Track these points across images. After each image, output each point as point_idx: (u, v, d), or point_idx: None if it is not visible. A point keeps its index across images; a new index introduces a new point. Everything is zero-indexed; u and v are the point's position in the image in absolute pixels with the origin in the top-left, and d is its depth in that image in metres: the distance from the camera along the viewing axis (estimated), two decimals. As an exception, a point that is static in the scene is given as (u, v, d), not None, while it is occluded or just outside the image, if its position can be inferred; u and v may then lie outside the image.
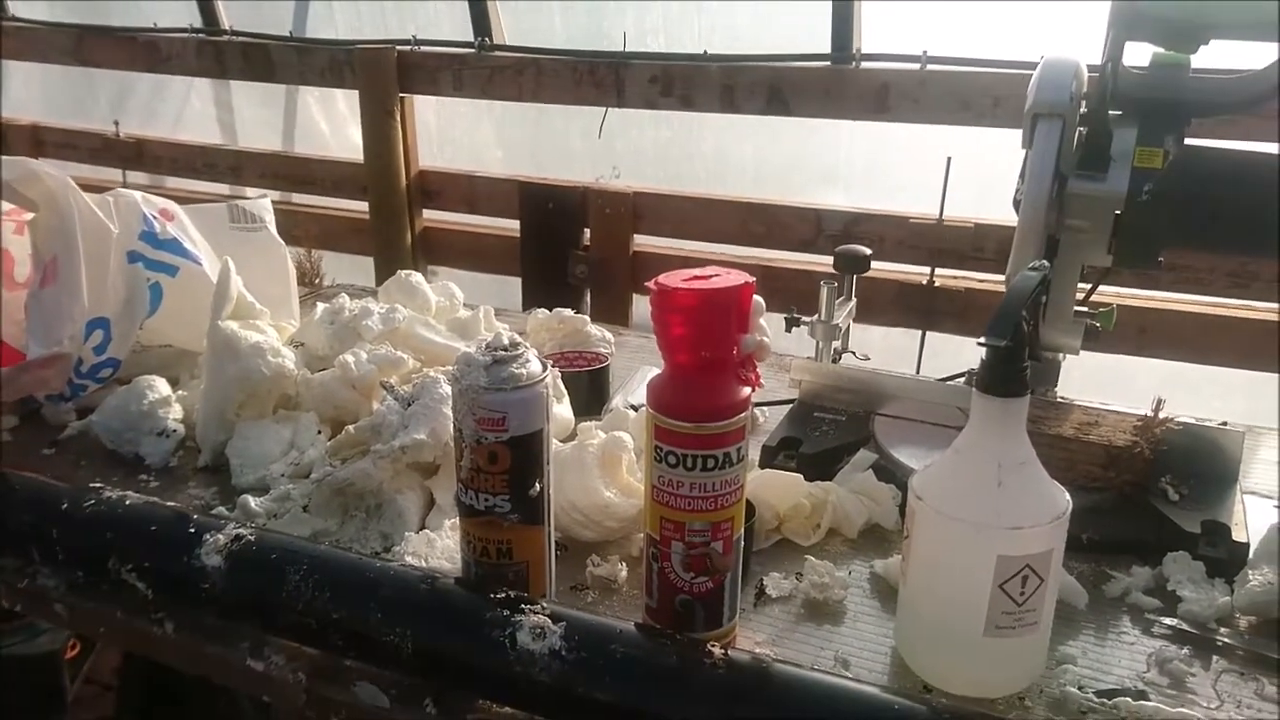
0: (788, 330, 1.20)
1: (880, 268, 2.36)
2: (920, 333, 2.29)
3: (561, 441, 1.08)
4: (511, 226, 2.65)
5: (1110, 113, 0.96)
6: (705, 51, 2.30)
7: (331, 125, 3.03)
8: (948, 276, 2.26)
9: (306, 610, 0.77)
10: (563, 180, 2.57)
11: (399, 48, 2.60)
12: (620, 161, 2.58)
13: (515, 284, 2.69)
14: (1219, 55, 0.96)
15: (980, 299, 2.22)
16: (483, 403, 0.75)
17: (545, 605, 0.73)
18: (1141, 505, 0.96)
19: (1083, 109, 0.96)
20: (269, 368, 1.05)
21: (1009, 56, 2.01)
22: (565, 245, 2.59)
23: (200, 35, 2.90)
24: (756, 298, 0.74)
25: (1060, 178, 0.95)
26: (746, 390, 0.74)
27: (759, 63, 2.26)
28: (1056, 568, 0.75)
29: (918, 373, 2.21)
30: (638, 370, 1.33)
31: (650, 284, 0.71)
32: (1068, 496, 0.76)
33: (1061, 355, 1.14)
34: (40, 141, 3.29)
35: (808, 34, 2.23)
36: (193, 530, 0.83)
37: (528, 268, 2.66)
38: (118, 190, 1.18)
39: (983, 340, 0.70)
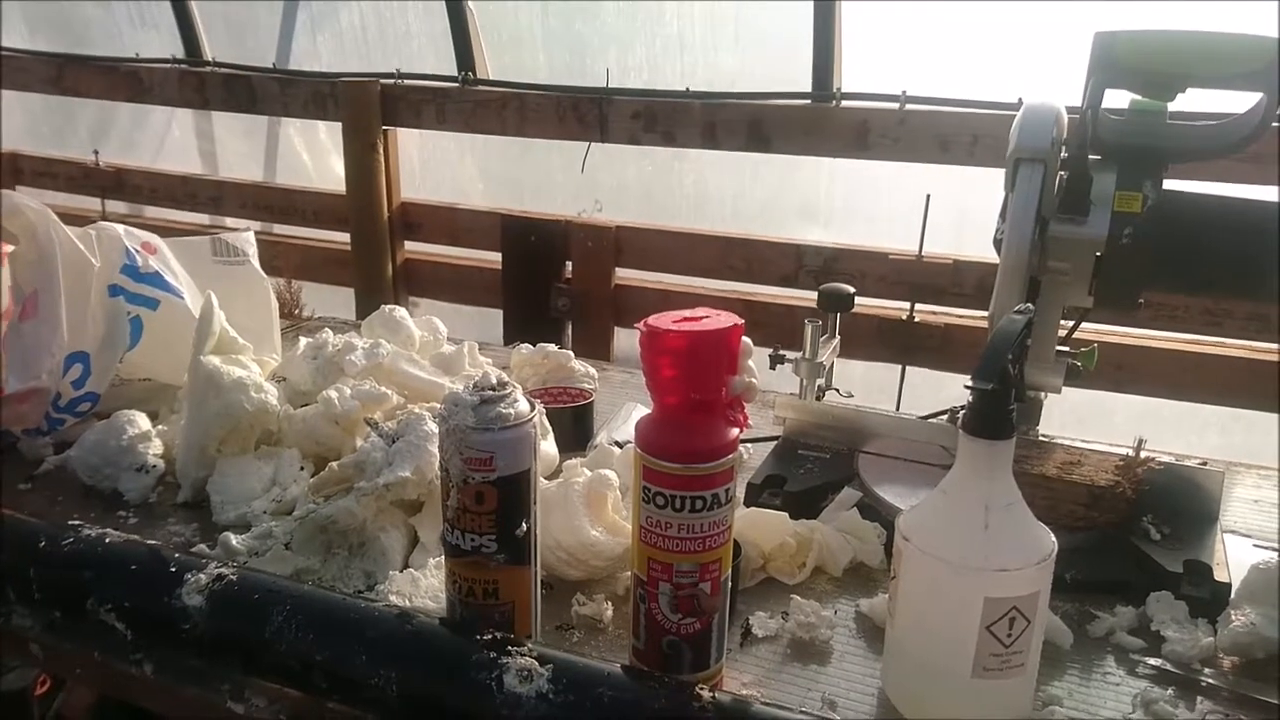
0: (772, 367, 1.21)
1: (860, 303, 2.36)
2: (900, 367, 2.31)
3: (546, 479, 1.07)
4: (493, 259, 2.66)
5: (1090, 157, 0.98)
6: (688, 89, 2.33)
7: (313, 156, 3.04)
8: (927, 312, 2.28)
9: (290, 652, 0.76)
10: (545, 213, 2.58)
11: (382, 81, 2.61)
12: (603, 195, 2.59)
13: (497, 316, 2.69)
14: (1197, 101, 0.98)
15: (959, 334, 2.24)
16: (470, 442, 0.75)
17: (532, 647, 0.73)
18: (1124, 545, 0.97)
19: (1063, 153, 0.98)
20: (251, 403, 1.04)
21: (987, 97, 2.05)
22: (547, 278, 2.60)
23: (182, 66, 2.90)
24: (745, 339, 0.74)
25: (1042, 220, 0.97)
26: (735, 431, 0.74)
27: (741, 100, 2.28)
28: (1043, 609, 0.75)
29: (898, 407, 2.22)
30: (622, 406, 1.33)
31: (640, 325, 0.71)
32: (1053, 538, 0.76)
33: (1043, 394, 1.15)
34: (19, 170, 3.27)
35: (789, 73, 2.26)
36: (174, 569, 0.81)
37: (509, 300, 2.66)
38: (100, 224, 1.18)
39: (970, 384, 0.71)
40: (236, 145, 3.10)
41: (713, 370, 0.72)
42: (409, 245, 2.79)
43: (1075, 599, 0.94)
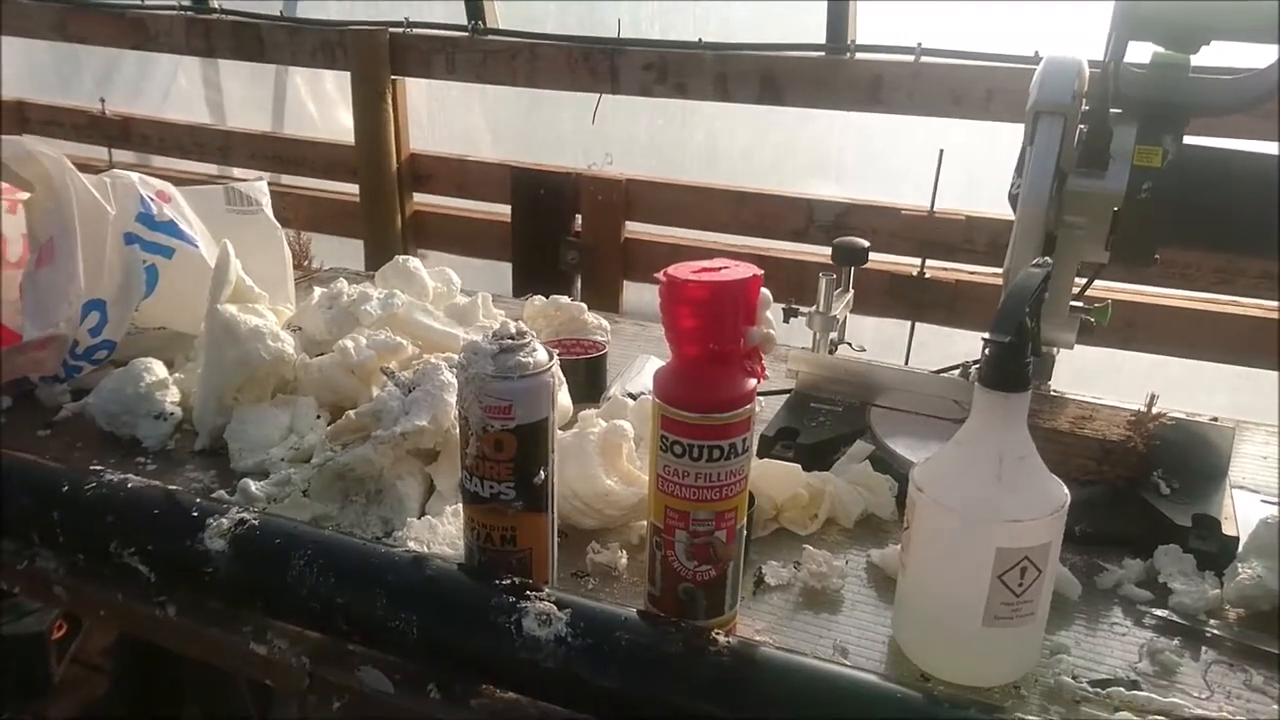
0: (786, 321, 1.21)
1: (872, 259, 2.36)
2: (910, 323, 2.31)
3: (561, 429, 1.08)
4: (503, 212, 2.65)
5: (1111, 111, 0.97)
6: (700, 40, 2.30)
7: (319, 107, 3.01)
8: (938, 268, 2.27)
9: (311, 596, 0.77)
10: (555, 166, 2.56)
11: (391, 30, 2.58)
12: (613, 148, 2.57)
13: (506, 269, 2.68)
14: (1219, 55, 0.97)
15: (970, 291, 2.23)
16: (490, 390, 0.76)
17: (550, 592, 0.74)
18: (1134, 499, 0.98)
19: (1084, 107, 0.97)
20: (269, 352, 1.05)
21: (1003, 50, 2.02)
22: (557, 231, 2.58)
23: (189, 13, 2.87)
24: (764, 290, 0.74)
25: (1060, 175, 0.96)
26: (752, 382, 0.75)
27: (753, 52, 2.26)
28: (1054, 560, 0.76)
29: (906, 363, 2.22)
30: (635, 359, 1.33)
31: (660, 275, 0.71)
32: (1066, 490, 0.77)
33: (1056, 350, 1.15)
34: (25, 118, 3.25)
35: (802, 24, 2.23)
36: (195, 514, 0.83)
37: (519, 254, 2.65)
38: (115, 171, 1.18)
39: (987, 336, 0.71)
40: (244, 94, 3.08)
41: (731, 321, 0.72)
42: (418, 197, 2.77)
43: (1084, 552, 0.95)
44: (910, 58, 2.13)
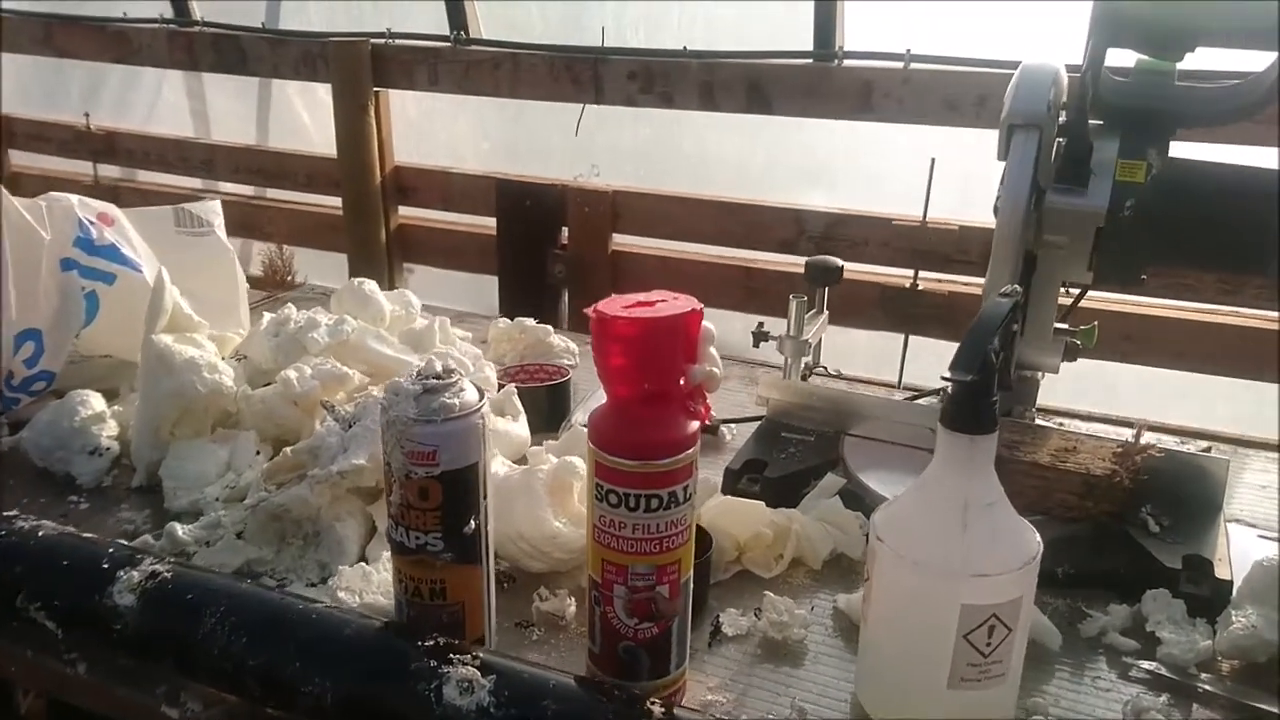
0: (756, 345, 1.15)
1: (862, 270, 2.31)
2: (903, 337, 2.25)
3: (514, 463, 1.03)
4: (489, 224, 2.60)
5: (1091, 123, 0.91)
6: (685, 47, 2.25)
7: (314, 117, 2.97)
8: (931, 280, 2.21)
9: (222, 655, 0.72)
10: (541, 178, 2.51)
11: (373, 40, 2.54)
12: (601, 158, 2.52)
13: (493, 283, 2.63)
14: (1206, 61, 0.91)
15: (964, 303, 2.17)
16: (412, 435, 0.70)
17: (477, 654, 0.68)
18: (1120, 537, 0.92)
19: (1062, 118, 0.91)
20: (204, 384, 1.00)
21: (996, 56, 1.96)
22: (543, 244, 2.53)
23: (171, 26, 2.83)
24: (706, 324, 0.68)
25: (1038, 191, 0.90)
26: (695, 424, 0.69)
27: (739, 59, 2.20)
28: (1026, 615, 0.70)
29: (900, 378, 2.16)
30: (602, 383, 1.28)
31: (589, 310, 0.66)
32: (1038, 538, 0.71)
33: (1040, 374, 1.09)
34: (12, 133, 3.21)
35: (790, 31, 2.17)
36: (106, 566, 0.77)
37: (505, 267, 2.60)
38: (51, 194, 1.12)
39: (947, 375, 0.65)
40: (228, 107, 3.03)
41: (668, 359, 0.66)
42: (403, 210, 2.72)
43: (1066, 595, 0.89)
44: (900, 64, 2.07)
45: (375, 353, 1.12)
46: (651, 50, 2.29)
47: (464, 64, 2.47)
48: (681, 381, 0.68)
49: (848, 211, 2.25)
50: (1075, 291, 1.05)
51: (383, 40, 2.54)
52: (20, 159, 3.26)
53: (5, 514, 0.85)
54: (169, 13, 2.83)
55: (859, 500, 0.98)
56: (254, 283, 2.71)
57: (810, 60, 2.16)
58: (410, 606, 0.76)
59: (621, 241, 2.49)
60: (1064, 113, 0.91)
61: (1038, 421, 1.12)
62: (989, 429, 0.68)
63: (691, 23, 2.31)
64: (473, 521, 0.73)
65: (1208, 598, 0.84)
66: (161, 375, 1.00)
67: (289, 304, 1.17)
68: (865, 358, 2.32)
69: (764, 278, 2.33)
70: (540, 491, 0.90)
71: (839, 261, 1.16)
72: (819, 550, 0.93)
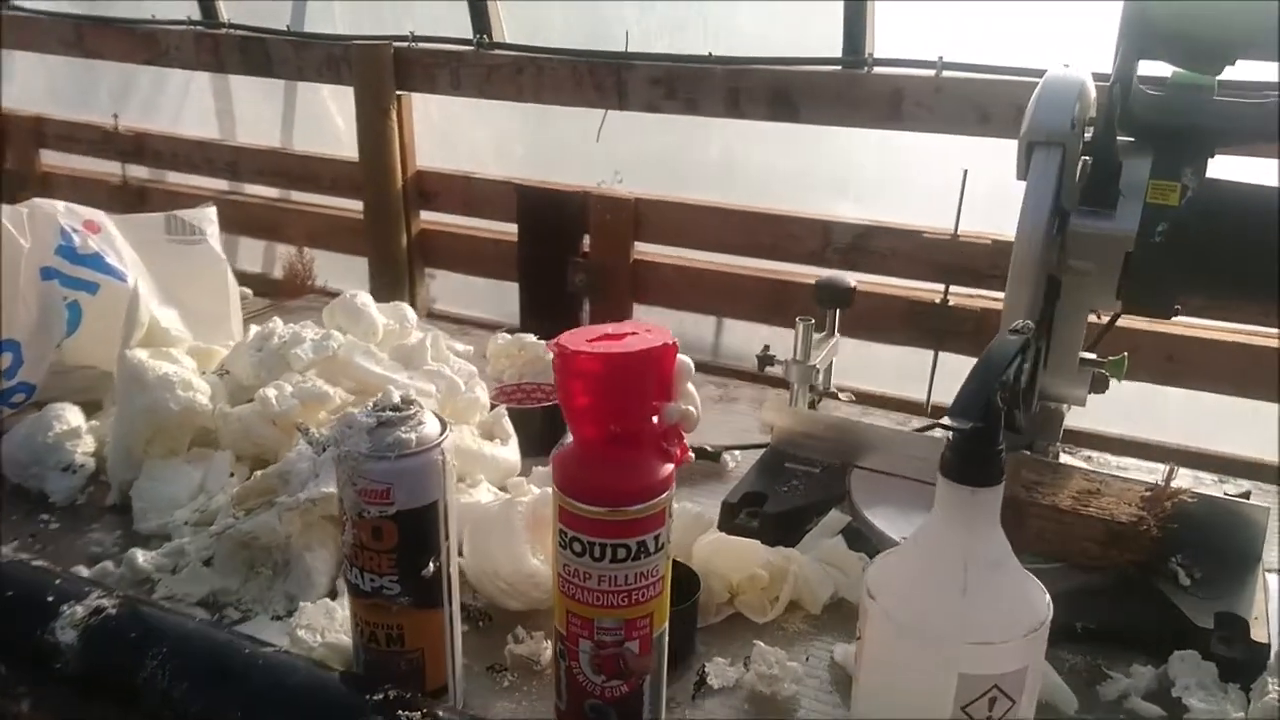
0: (760, 370, 1.09)
1: (891, 283, 2.24)
2: (932, 354, 2.17)
3: (500, 490, 0.98)
4: (511, 231, 2.55)
5: (1120, 139, 0.84)
6: (710, 53, 2.19)
7: (348, 120, 2.94)
8: (963, 295, 2.13)
9: (163, 702, 0.67)
10: (563, 184, 2.47)
11: (396, 44, 2.51)
12: (625, 165, 2.46)
13: (514, 290, 2.58)
14: (1248, 72, 0.83)
15: (997, 320, 2.07)
16: (364, 472, 0.65)
17: (432, 710, 0.63)
18: (1147, 590, 0.84)
19: (1088, 134, 0.84)
20: (177, 402, 0.95)
21: (1032, 64, 1.87)
22: (564, 252, 2.48)
23: (199, 28, 2.82)
24: (682, 359, 0.63)
25: (1061, 213, 0.83)
26: (668, 468, 0.63)
27: (766, 65, 2.14)
28: (1033, 686, 0.63)
29: (929, 396, 2.08)
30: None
31: (550, 345, 0.60)
32: (1047, 600, 0.64)
33: (1065, 406, 1.02)
34: (42, 134, 3.23)
35: (818, 36, 2.10)
36: (51, 599, 0.73)
37: (526, 274, 2.56)
38: (34, 201, 1.09)
39: (945, 422, 0.58)
40: (255, 109, 3.02)
41: (637, 397, 0.60)
42: (425, 215, 2.69)
43: (1085, 651, 0.82)
44: (931, 72, 2.00)
45: (362, 370, 1.07)
46: (675, 55, 2.24)
47: (486, 68, 2.43)
48: (653, 422, 0.62)
49: (877, 223, 2.18)
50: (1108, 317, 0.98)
51: (405, 43, 2.51)
52: (52, 159, 3.27)
53: (-43, 538, 0.81)
54: (197, 14, 2.82)
55: (864, 540, 0.92)
56: (273, 287, 2.71)
57: (839, 67, 2.09)
58: (366, 652, 0.71)
59: (644, 250, 2.43)
60: (1090, 128, 0.84)
61: (1062, 457, 1.05)
62: (993, 481, 0.61)
63: (717, 28, 2.25)
64: (431, 564, 0.68)
65: (1242, 661, 0.77)
66: (134, 392, 0.96)
67: (275, 318, 1.13)
68: (892, 374, 2.24)
69: (789, 290, 2.26)
70: (518, 525, 0.85)
71: (851, 281, 1.09)
72: (818, 594, 0.87)
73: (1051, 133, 0.80)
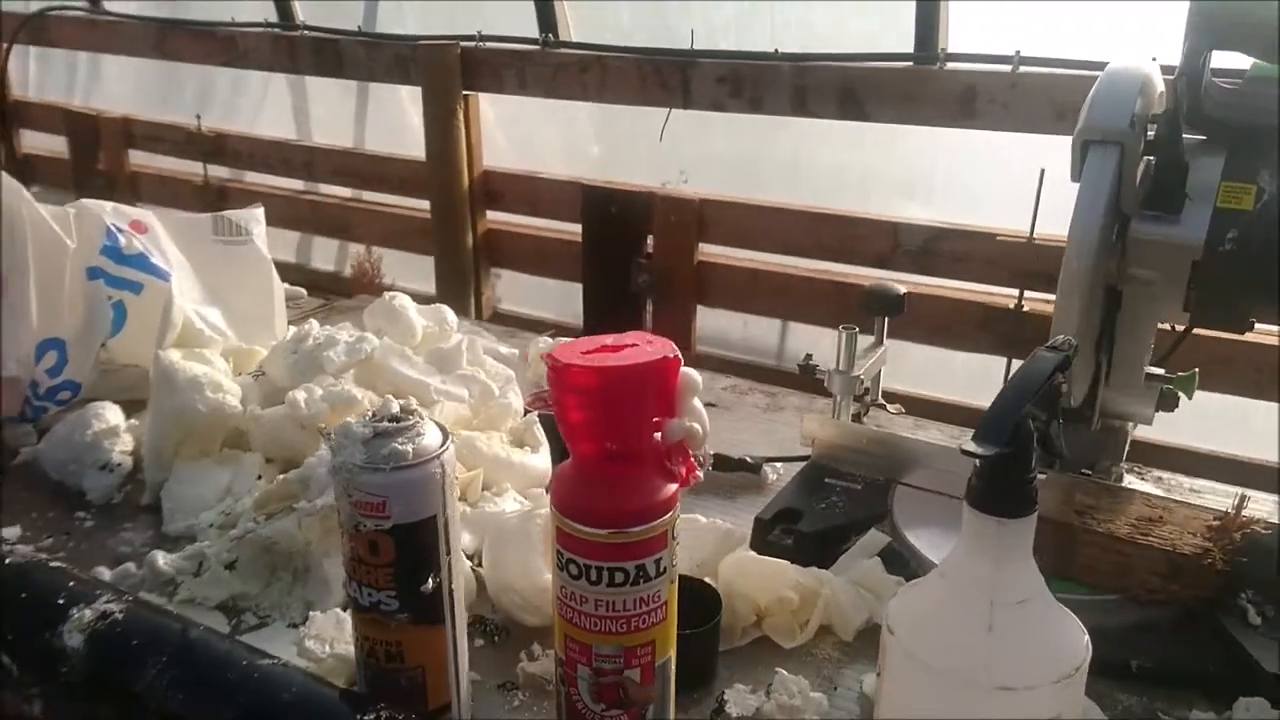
0: (803, 375, 1.04)
1: (963, 287, 2.16)
2: (1005, 360, 2.08)
3: (527, 499, 0.95)
4: (575, 231, 2.54)
5: (1189, 138, 0.77)
6: (776, 50, 2.13)
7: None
8: (1039, 300, 2.03)
9: (159, 713, 0.66)
10: (627, 184, 2.44)
11: (463, 43, 2.51)
12: (691, 165, 2.43)
13: (579, 291, 2.57)
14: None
15: (1074, 327, 1.99)
16: (358, 484, 0.63)
17: (422, 733, 0.60)
18: (1212, 628, 0.77)
19: (1150, 133, 0.77)
20: (206, 404, 0.95)
21: (1112, 57, 1.78)
22: (628, 252, 2.46)
23: (275, 30, 2.88)
24: (687, 372, 0.59)
25: (1121, 218, 0.77)
26: (672, 487, 0.59)
27: (833, 62, 2.08)
28: (1067, 736, 0.58)
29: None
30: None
31: (544, 357, 0.57)
32: (1086, 641, 0.58)
33: (1132, 424, 0.95)
34: (130, 134, 3.34)
35: (889, 32, 2.03)
36: (62, 601, 0.73)
37: (589, 275, 2.54)
38: (81, 202, 1.11)
39: (967, 448, 0.53)
40: (331, 109, 3.06)
41: (634, 413, 0.57)
42: (491, 215, 2.69)
43: (1141, 692, 0.76)
44: (1007, 67, 1.91)
45: (396, 373, 1.06)
46: (741, 53, 2.19)
47: (552, 67, 2.42)
48: (655, 439, 0.58)
49: (949, 225, 2.10)
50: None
51: (473, 43, 2.51)
52: (139, 159, 3.38)
53: (-16, 536, 0.82)
54: (274, 16, 2.88)
55: (904, 563, 0.87)
56: (344, 285, 2.75)
57: (910, 63, 2.02)
58: (366, 668, 0.69)
59: (708, 252, 2.39)
60: (1155, 126, 0.77)
61: (1126, 479, 0.98)
62: (1024, 511, 0.56)
63: (785, 25, 2.19)
64: (431, 580, 0.66)
65: (1315, 712, 0.70)
66: (165, 393, 0.96)
67: (311, 320, 1.13)
68: (961, 381, 2.16)
69: (856, 293, 2.19)
70: (536, 538, 0.82)
71: (900, 289, 1.04)
72: (850, 619, 0.82)
73: (1108, 130, 0.74)
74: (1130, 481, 1.00)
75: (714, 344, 2.49)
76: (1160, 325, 0.89)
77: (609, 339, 0.58)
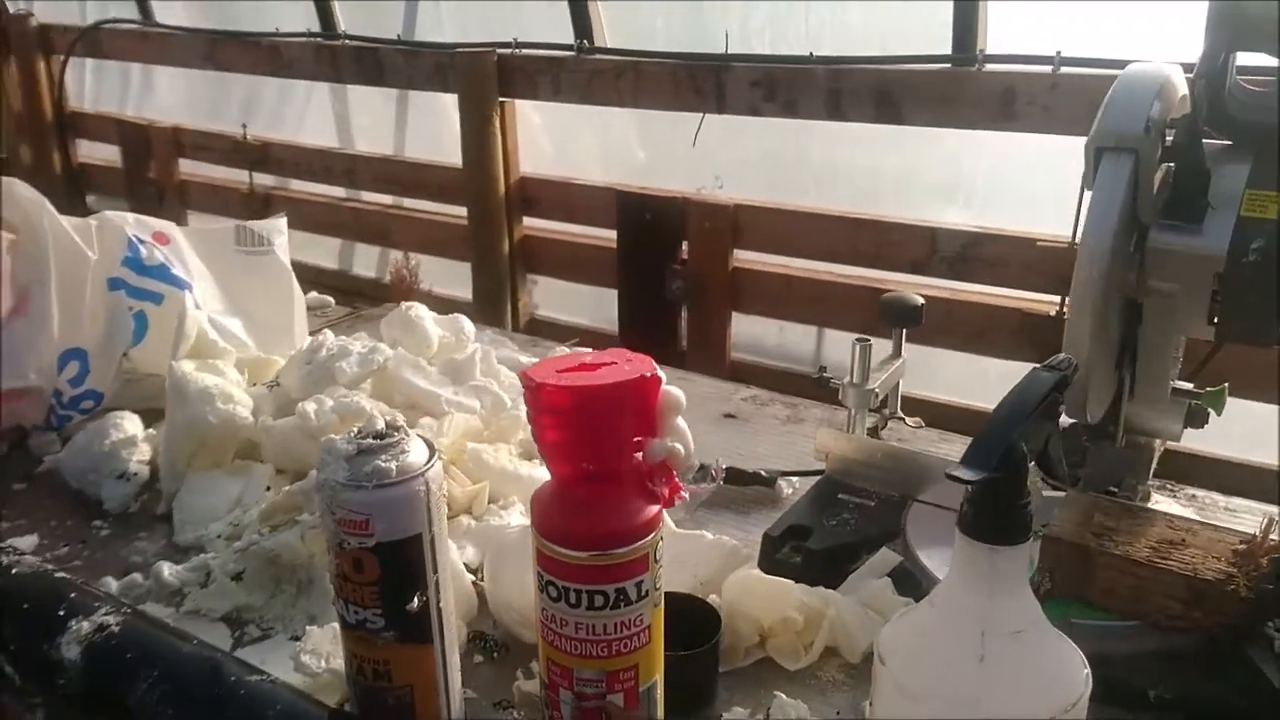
0: (818, 387, 1.02)
1: (1003, 294, 2.10)
2: (1046, 369, 2.02)
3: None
4: (611, 237, 2.53)
5: (1212, 144, 0.73)
6: (811, 54, 2.10)
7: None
8: (1081, 307, 1.98)
9: (149, 726, 0.66)
10: (661, 190, 2.43)
11: (499, 51, 2.52)
12: (725, 170, 2.41)
13: (614, 297, 2.56)
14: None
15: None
16: (341, 501, 0.62)
17: (404, 755, 0.60)
18: (1235, 657, 0.73)
19: (1169, 139, 0.74)
20: (216, 415, 0.96)
21: (1156, 57, 1.72)
22: (662, 259, 2.44)
23: (318, 40, 2.91)
24: (669, 390, 0.57)
25: (1139, 227, 0.74)
26: (654, 509, 0.58)
27: (869, 65, 2.04)
28: (1064, 775, 0.55)
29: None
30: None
31: (520, 375, 0.56)
32: (1086, 673, 0.55)
33: (1159, 441, 0.91)
34: (180, 143, 3.41)
35: (925, 33, 1.99)
36: (62, 613, 0.73)
37: (624, 281, 2.53)
38: (104, 214, 1.12)
39: (954, 472, 0.51)
40: (372, 116, 3.09)
41: (611, 434, 0.56)
42: (527, 221, 2.69)
43: (1159, 724, 0.72)
44: (1048, 68, 1.86)
45: (407, 384, 1.06)
46: (775, 56, 2.17)
47: (587, 73, 2.42)
48: (634, 459, 0.57)
49: (987, 230, 2.05)
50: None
51: (509, 50, 2.52)
52: (188, 167, 3.45)
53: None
54: (317, 25, 2.91)
55: (915, 584, 0.84)
56: (383, 291, 2.77)
57: (947, 65, 1.98)
58: (355, 685, 0.68)
59: (743, 258, 2.37)
60: (1173, 131, 0.74)
61: (1154, 498, 0.94)
62: (1016, 539, 0.53)
63: (820, 28, 2.16)
64: (418, 598, 0.65)
65: (1344, 750, 0.66)
66: (178, 404, 0.97)
67: (326, 330, 1.13)
68: (999, 389, 2.10)
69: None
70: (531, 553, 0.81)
71: (918, 299, 1.01)
72: (856, 641, 0.80)
73: (1121, 137, 0.71)
74: (1159, 500, 0.96)
75: (749, 351, 2.46)
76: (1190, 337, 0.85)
77: (588, 356, 0.57)
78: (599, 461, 0.56)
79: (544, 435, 0.56)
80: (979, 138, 2.04)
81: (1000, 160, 2.09)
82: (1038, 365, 0.55)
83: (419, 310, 1.19)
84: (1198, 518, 0.90)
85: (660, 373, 0.56)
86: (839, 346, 2.38)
